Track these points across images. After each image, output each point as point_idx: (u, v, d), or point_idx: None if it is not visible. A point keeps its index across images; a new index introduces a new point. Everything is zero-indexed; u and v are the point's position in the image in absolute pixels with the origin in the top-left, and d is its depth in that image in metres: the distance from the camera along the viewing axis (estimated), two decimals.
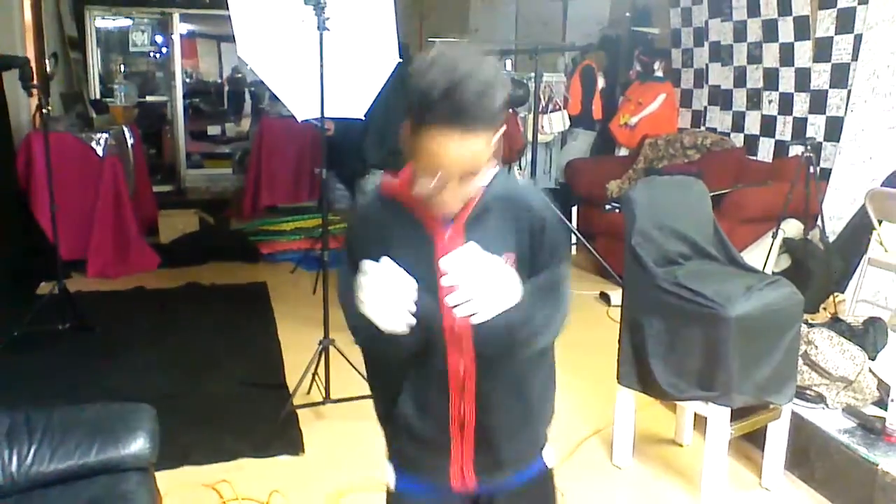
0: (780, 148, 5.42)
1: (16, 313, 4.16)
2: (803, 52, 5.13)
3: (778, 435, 2.84)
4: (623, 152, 6.68)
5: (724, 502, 2.74)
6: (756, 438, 2.95)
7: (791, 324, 2.72)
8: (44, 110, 4.26)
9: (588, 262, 5.54)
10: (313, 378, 3.39)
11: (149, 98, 9.02)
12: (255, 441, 3.06)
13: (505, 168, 1.40)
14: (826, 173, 4.82)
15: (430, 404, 1.38)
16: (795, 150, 5.16)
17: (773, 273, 3.88)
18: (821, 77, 5.02)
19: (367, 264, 1.20)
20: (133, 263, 5.39)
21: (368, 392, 1.55)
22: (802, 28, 5.10)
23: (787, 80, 5.31)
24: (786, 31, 5.23)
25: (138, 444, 2.17)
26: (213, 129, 9.33)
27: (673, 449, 3.16)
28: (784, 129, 5.40)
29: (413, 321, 1.20)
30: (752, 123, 5.71)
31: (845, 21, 4.75)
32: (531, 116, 6.01)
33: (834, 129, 4.89)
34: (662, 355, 2.70)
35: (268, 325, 4.43)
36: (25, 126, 5.43)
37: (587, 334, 3.88)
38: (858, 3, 4.62)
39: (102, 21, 8.44)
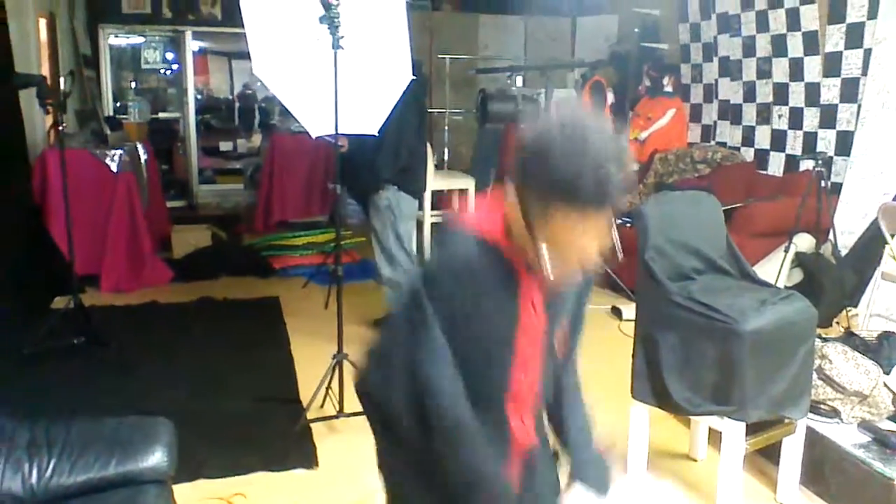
0: (791, 162, 5.43)
1: (31, 328, 4.20)
2: (813, 67, 5.15)
3: (793, 450, 2.83)
4: (633, 167, 6.69)
5: None
6: (771, 453, 2.95)
7: (805, 338, 2.72)
8: (60, 127, 4.31)
9: (600, 276, 5.54)
10: (327, 392, 3.40)
11: (161, 114, 9.10)
12: (270, 455, 3.07)
13: None
14: (837, 187, 4.83)
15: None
16: (806, 164, 5.18)
17: (786, 287, 3.88)
18: (831, 92, 5.04)
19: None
20: (146, 278, 5.43)
21: None
22: (811, 43, 5.12)
23: (797, 95, 5.33)
24: (795, 46, 5.25)
25: (156, 457, 2.19)
26: (224, 145, 9.40)
27: (687, 464, 3.15)
28: (794, 144, 5.41)
29: None
30: (763, 138, 5.72)
31: (854, 36, 4.77)
32: None
33: (844, 144, 4.90)
34: (677, 370, 2.70)
35: (281, 340, 4.45)
36: (41, 143, 5.49)
37: (599, 348, 3.87)
38: (867, 18, 4.65)
39: (115, 39, 8.54)
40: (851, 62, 4.84)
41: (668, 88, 6.53)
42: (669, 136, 6.44)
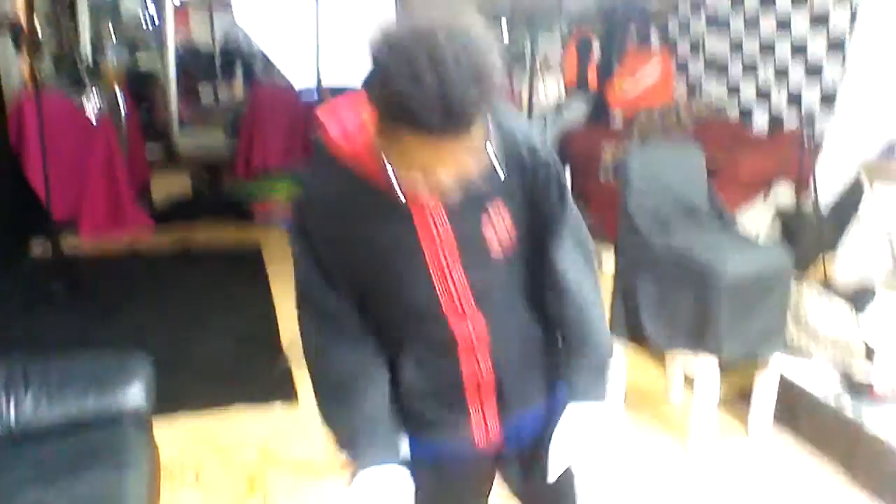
0: (776, 118, 5.43)
1: (8, 272, 4.16)
2: (800, 21, 5.12)
3: (766, 391, 2.88)
4: (618, 121, 6.68)
5: (712, 455, 2.79)
6: (744, 393, 3.01)
7: (781, 285, 2.76)
8: (35, 72, 4.23)
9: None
10: None
11: (141, 61, 8.93)
12: (251, 392, 3.10)
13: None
14: (820, 142, 4.84)
15: (436, 367, 1.27)
16: (790, 118, 5.18)
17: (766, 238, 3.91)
18: (817, 45, 5.02)
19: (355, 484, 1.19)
20: (126, 224, 5.39)
21: None
22: None
23: (783, 49, 5.30)
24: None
25: (134, 393, 2.20)
26: (205, 95, 9.26)
27: (663, 405, 3.20)
28: (780, 99, 5.40)
29: None
30: (748, 93, 5.71)
31: None
32: (526, 86, 5.99)
33: (829, 98, 4.90)
34: (654, 309, 2.73)
35: (262, 285, 4.45)
36: (17, 88, 5.38)
37: None
38: None
39: None
40: (839, 16, 4.81)
41: (655, 41, 6.48)
42: (655, 91, 6.42)
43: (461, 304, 1.21)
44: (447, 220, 1.16)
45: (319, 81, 3.17)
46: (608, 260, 4.65)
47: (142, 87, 8.16)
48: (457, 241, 1.17)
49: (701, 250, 2.67)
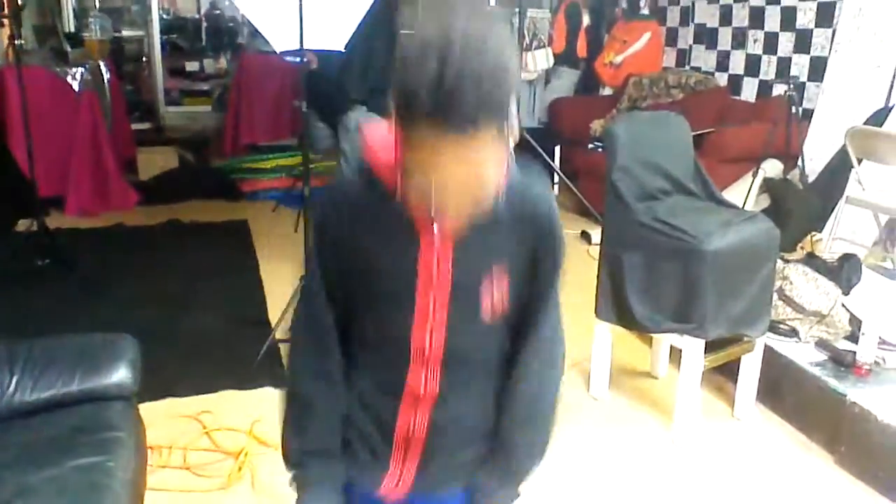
0: (764, 87, 5.41)
1: None
2: None
3: (751, 367, 2.90)
4: (607, 91, 6.64)
5: (697, 432, 2.82)
6: (729, 371, 3.03)
7: (767, 258, 2.76)
8: (16, 42, 4.16)
9: (570, 201, 5.55)
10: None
11: (125, 33, 8.78)
12: (238, 374, 3.09)
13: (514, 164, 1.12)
14: (809, 113, 4.82)
15: (378, 412, 1.24)
16: (779, 89, 5.16)
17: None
18: (806, 16, 4.99)
19: None
20: (112, 200, 5.33)
21: None
22: None
23: (772, 19, 5.27)
24: None
25: (120, 374, 2.18)
26: (191, 66, 9.11)
27: (648, 381, 3.23)
28: (768, 69, 5.38)
29: None
30: (737, 63, 5.68)
31: None
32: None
33: (818, 69, 4.88)
34: (640, 289, 2.73)
35: (249, 263, 4.43)
36: None
37: (568, 272, 3.91)
38: None
39: None
40: None
41: (645, 11, 6.43)
42: (645, 60, 6.37)
43: (428, 355, 1.18)
44: (450, 267, 1.13)
45: (302, 44, 3.12)
46: (597, 235, 4.67)
47: (127, 60, 8.04)
48: (451, 291, 1.14)
49: (686, 221, 2.67)
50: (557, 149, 6.18)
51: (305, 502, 1.21)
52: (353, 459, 1.27)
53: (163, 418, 2.75)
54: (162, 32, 8.03)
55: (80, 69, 5.32)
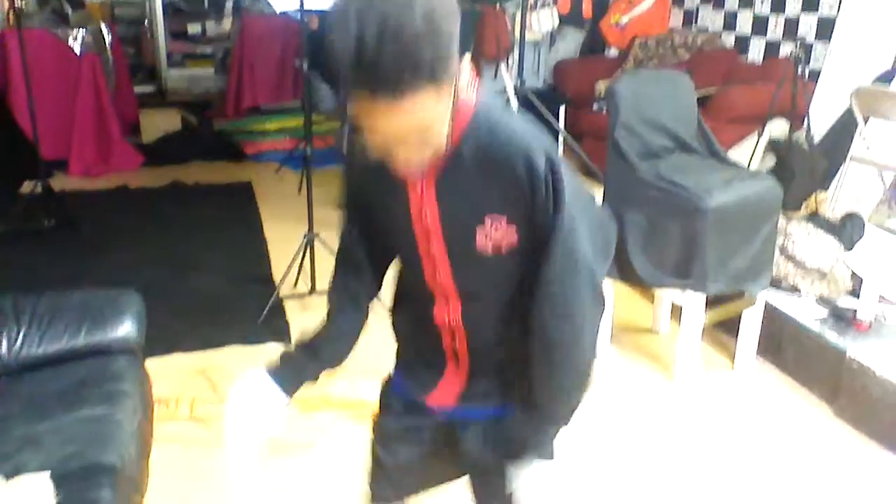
0: (771, 48, 5.35)
1: None
2: None
3: (751, 323, 2.92)
4: (613, 52, 6.57)
5: (697, 385, 2.84)
6: (730, 327, 3.04)
7: (769, 215, 2.76)
8: (17, 5, 4.13)
9: (575, 162, 5.53)
10: (299, 271, 3.43)
11: None
12: (243, 330, 3.13)
13: (491, 102, 1.15)
14: (816, 74, 4.78)
15: (425, 331, 1.31)
16: (786, 49, 5.11)
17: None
18: None
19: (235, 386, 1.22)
20: (116, 162, 5.35)
21: None
22: None
23: None
24: None
25: (125, 328, 2.21)
26: (193, 29, 9.05)
27: (650, 337, 3.25)
28: (776, 29, 5.31)
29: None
30: (745, 22, 5.60)
31: None
32: (519, 14, 5.87)
33: (826, 29, 4.82)
34: (641, 246, 2.74)
35: (253, 223, 4.45)
36: None
37: None
38: None
39: None
40: None
41: None
42: (651, 21, 6.29)
43: (443, 291, 1.25)
44: (437, 211, 1.17)
45: (303, 5, 3.11)
46: (599, 194, 4.67)
47: (129, 23, 7.98)
48: (443, 234, 1.19)
49: (688, 178, 2.66)
50: (562, 110, 6.14)
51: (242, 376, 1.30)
52: (412, 373, 1.40)
53: (169, 373, 2.79)
54: None
55: (81, 31, 5.29)
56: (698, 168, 2.80)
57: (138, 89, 6.89)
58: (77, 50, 5.22)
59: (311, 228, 3.38)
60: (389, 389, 1.46)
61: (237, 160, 5.75)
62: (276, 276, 3.57)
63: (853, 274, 3.02)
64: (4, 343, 2.13)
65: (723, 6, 5.80)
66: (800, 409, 2.78)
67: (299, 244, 3.40)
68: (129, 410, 1.97)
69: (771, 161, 4.51)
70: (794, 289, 3.03)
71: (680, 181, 2.64)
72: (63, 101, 5.16)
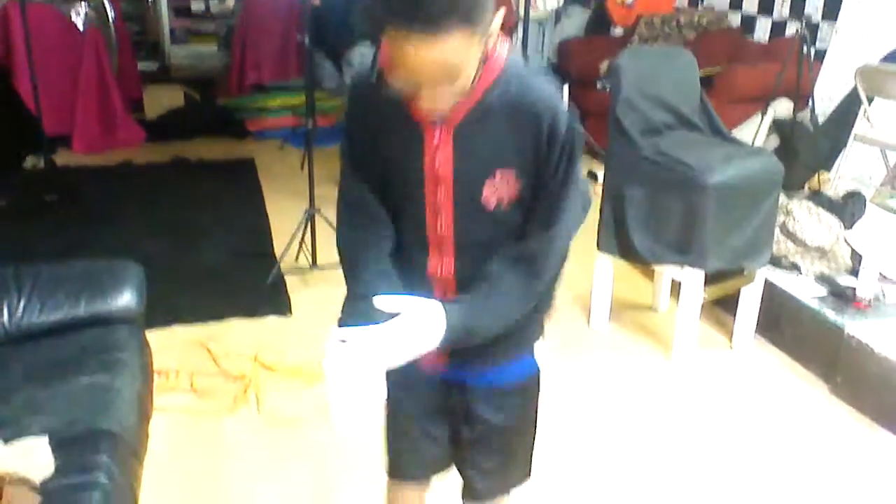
0: (778, 27, 5.31)
1: (2, 185, 4.16)
2: None
3: (750, 300, 2.92)
4: (618, 31, 6.53)
5: (695, 363, 2.85)
6: (730, 305, 3.05)
7: (769, 192, 2.75)
8: None
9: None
10: (300, 246, 3.44)
11: None
12: (244, 303, 3.14)
13: (521, 62, 1.19)
14: (821, 54, 4.74)
15: (413, 288, 1.27)
16: (792, 28, 5.07)
17: None
18: None
19: (331, 342, 1.14)
20: (119, 138, 5.35)
21: None
22: None
23: None
24: None
25: (126, 298, 2.22)
26: (196, 5, 9.03)
27: (649, 315, 3.26)
28: (782, 8, 5.27)
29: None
30: (751, 2, 5.56)
31: None
32: None
33: (832, 8, 4.78)
34: (641, 222, 2.74)
35: (256, 199, 4.45)
36: None
37: None
38: None
39: None
40: None
41: None
42: (656, 0, 6.25)
43: (440, 242, 1.25)
44: (451, 161, 1.18)
45: None
46: (602, 173, 4.66)
47: None
48: (454, 184, 1.20)
49: (689, 154, 2.66)
50: (566, 89, 6.11)
51: (332, 334, 1.21)
52: None
53: (170, 344, 2.80)
54: None
55: (84, 6, 5.27)
56: (700, 144, 2.79)
57: (142, 66, 6.88)
58: (80, 25, 5.20)
59: (312, 204, 3.39)
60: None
61: (240, 137, 5.74)
62: (278, 251, 3.58)
63: (853, 252, 3.01)
64: (6, 312, 2.14)
65: None
66: (797, 387, 2.79)
67: (301, 219, 3.41)
68: (128, 379, 1.98)
69: (775, 141, 4.50)
70: (794, 266, 3.03)
71: (681, 157, 2.64)
72: (66, 76, 5.15)
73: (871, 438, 2.52)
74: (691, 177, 2.58)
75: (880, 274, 2.86)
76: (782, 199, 2.96)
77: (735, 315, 2.98)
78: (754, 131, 4.35)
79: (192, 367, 2.71)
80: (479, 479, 1.47)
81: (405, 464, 1.51)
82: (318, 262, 3.38)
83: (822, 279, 2.98)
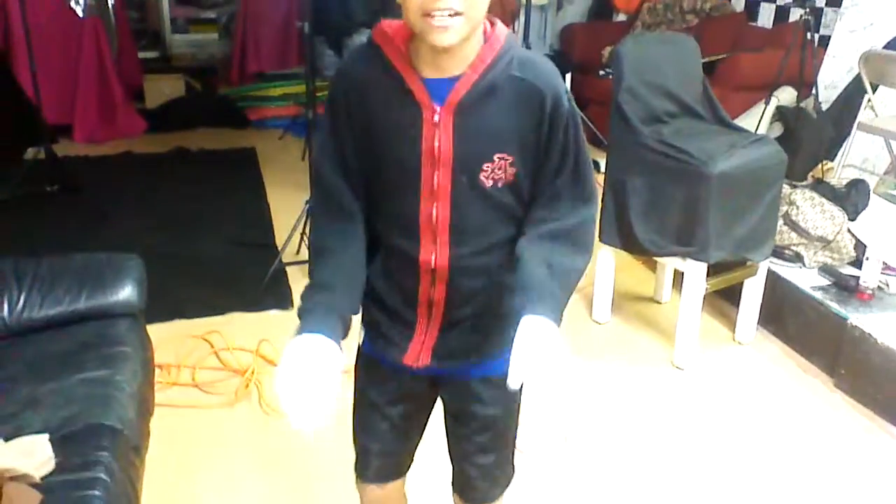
0: (781, 13, 5.28)
1: (3, 177, 4.15)
2: None
3: (753, 292, 2.91)
4: (621, 17, 6.49)
5: (698, 354, 2.84)
6: (732, 296, 3.03)
7: (773, 182, 2.73)
8: None
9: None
10: (301, 237, 3.43)
11: None
12: (246, 296, 3.14)
13: (517, 39, 1.21)
14: (825, 40, 4.71)
15: (400, 281, 1.28)
16: (795, 15, 5.03)
17: None
18: None
19: (289, 346, 1.11)
20: (120, 128, 5.33)
21: None
22: None
23: None
24: None
25: (126, 291, 2.21)
26: None
27: (651, 306, 3.25)
28: None
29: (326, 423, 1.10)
30: None
31: None
32: None
33: None
34: (643, 212, 2.72)
35: (257, 189, 4.44)
36: None
37: None
38: None
39: None
40: None
41: None
42: None
43: (435, 228, 1.22)
44: (452, 143, 1.16)
45: None
46: (605, 162, 4.64)
47: None
48: (453, 167, 1.18)
49: (692, 143, 2.64)
50: (568, 76, 6.08)
51: (300, 328, 1.18)
52: (380, 332, 1.34)
53: (171, 338, 2.80)
54: None
55: None
56: (702, 133, 2.77)
57: (142, 55, 6.83)
58: (79, 12, 5.18)
59: (313, 194, 3.37)
60: (363, 360, 1.41)
61: (241, 126, 5.73)
62: (279, 243, 3.57)
63: (857, 243, 3.00)
64: (6, 306, 2.13)
65: None
66: (800, 378, 2.78)
67: (302, 210, 3.39)
68: (129, 373, 1.97)
69: (778, 130, 4.46)
70: (797, 257, 3.02)
71: (683, 146, 2.62)
72: (66, 65, 5.13)
73: (874, 429, 2.52)
74: (693, 166, 2.56)
75: (884, 264, 2.84)
76: (785, 188, 2.95)
77: (738, 306, 2.97)
78: (757, 119, 4.32)
79: (194, 360, 2.71)
80: (479, 479, 1.46)
81: (373, 462, 1.46)
82: None
83: (826, 270, 2.97)
